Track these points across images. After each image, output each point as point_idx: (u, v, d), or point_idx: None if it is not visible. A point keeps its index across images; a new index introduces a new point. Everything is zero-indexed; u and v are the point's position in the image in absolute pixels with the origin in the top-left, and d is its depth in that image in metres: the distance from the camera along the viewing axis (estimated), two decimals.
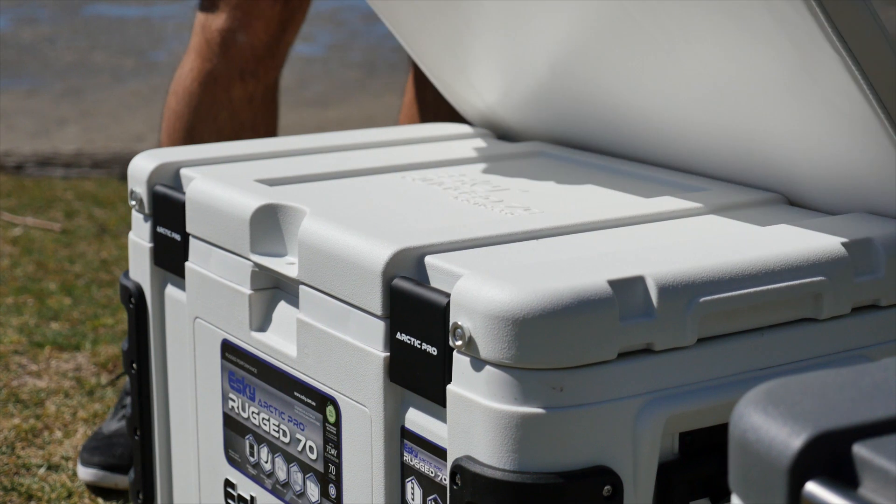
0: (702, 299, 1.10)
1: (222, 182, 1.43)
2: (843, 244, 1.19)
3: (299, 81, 5.93)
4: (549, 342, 1.05)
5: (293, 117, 5.31)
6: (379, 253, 1.18)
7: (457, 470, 1.09)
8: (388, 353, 1.18)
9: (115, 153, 4.51)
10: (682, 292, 1.10)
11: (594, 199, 1.40)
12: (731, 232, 1.26)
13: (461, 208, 1.36)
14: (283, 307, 1.35)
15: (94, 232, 3.35)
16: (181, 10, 8.04)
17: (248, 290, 1.36)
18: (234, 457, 1.42)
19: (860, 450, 0.69)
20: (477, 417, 1.08)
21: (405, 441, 1.19)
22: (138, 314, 1.55)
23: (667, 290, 1.09)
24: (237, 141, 1.66)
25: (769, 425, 0.73)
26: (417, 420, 1.17)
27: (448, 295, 1.11)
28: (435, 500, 1.16)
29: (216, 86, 2.01)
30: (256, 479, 1.38)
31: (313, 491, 1.30)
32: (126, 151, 4.59)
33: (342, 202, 1.38)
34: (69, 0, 8.02)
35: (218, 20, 2.00)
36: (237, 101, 2.02)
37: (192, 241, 1.45)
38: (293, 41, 2.07)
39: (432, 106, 2.10)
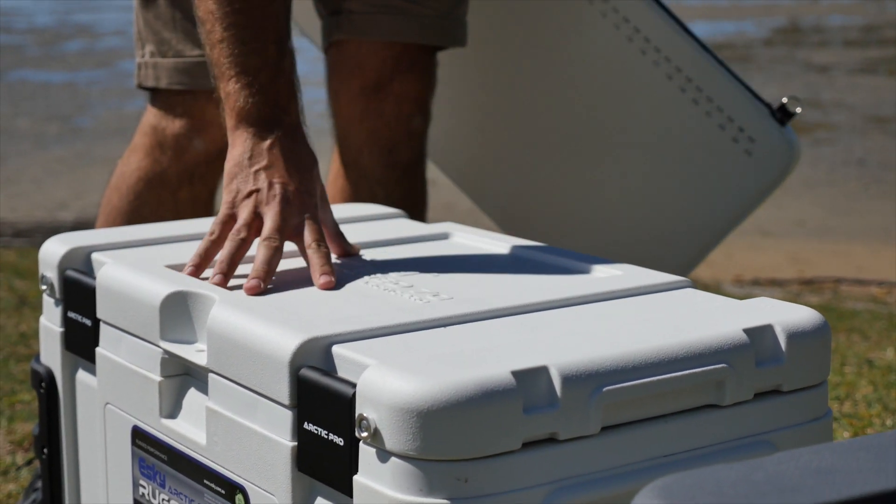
0: (605, 388, 1.12)
1: (133, 268, 1.43)
2: (745, 330, 1.20)
3: None
4: (453, 434, 1.06)
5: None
6: (286, 342, 1.19)
7: None
8: (296, 443, 1.18)
9: (38, 222, 4.49)
10: (585, 382, 1.11)
11: (504, 284, 1.41)
12: (637, 318, 1.28)
13: (372, 294, 1.37)
14: (193, 394, 1.35)
15: (13, 304, 3.32)
16: (106, 75, 8.01)
17: (157, 377, 1.36)
18: None
19: None
20: None
21: None
22: (49, 399, 1.54)
23: (570, 379, 1.10)
24: (150, 224, 1.66)
25: None
26: None
27: (354, 385, 1.12)
28: None
29: (164, 188, 1.99)
30: None
31: None
32: (49, 220, 4.56)
33: None
34: None
35: (175, 125, 1.98)
36: (182, 203, 2.01)
37: (102, 326, 1.45)
38: None
39: (353, 182, 2.10)
